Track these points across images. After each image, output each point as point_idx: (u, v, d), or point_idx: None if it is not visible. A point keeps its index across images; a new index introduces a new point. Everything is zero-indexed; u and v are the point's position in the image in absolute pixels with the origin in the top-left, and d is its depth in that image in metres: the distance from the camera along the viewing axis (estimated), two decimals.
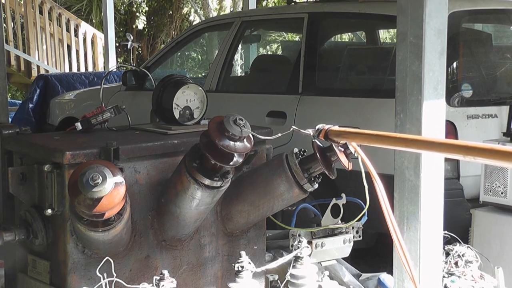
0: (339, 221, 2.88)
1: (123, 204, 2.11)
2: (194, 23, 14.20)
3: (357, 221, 2.88)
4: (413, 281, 2.05)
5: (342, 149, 2.22)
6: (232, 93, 5.13)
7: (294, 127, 2.20)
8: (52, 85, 8.04)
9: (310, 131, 2.09)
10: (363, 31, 5.91)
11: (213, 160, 2.24)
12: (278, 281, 2.68)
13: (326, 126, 2.05)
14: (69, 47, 11.65)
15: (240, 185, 2.63)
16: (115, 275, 2.19)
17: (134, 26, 14.37)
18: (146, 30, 15.10)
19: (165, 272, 2.22)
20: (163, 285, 2.19)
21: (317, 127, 2.07)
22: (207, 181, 2.31)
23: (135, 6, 14.30)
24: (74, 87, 7.97)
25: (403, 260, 1.97)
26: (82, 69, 11.47)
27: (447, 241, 2.86)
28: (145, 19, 14.61)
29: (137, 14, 14.37)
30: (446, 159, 2.84)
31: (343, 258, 3.07)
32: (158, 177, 2.58)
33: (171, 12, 15.24)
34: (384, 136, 1.71)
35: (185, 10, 15.11)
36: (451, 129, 3.79)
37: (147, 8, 14.58)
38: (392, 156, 2.65)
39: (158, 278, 2.21)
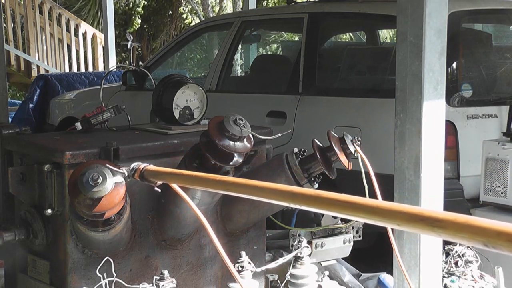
0: (339, 221, 2.88)
1: (123, 204, 2.11)
2: (193, 23, 14.19)
3: (357, 221, 2.88)
4: (408, 281, 2.05)
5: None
6: (232, 93, 5.13)
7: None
8: (52, 85, 8.04)
9: (124, 170, 1.85)
10: (363, 31, 5.91)
11: (213, 160, 2.24)
12: (278, 281, 2.69)
13: (142, 166, 1.81)
14: (69, 47, 11.65)
15: None
16: (115, 275, 2.19)
17: (132, 26, 14.37)
18: (146, 30, 15.10)
19: (165, 272, 2.23)
20: (163, 285, 2.19)
21: (132, 166, 1.84)
22: None
23: (130, 5, 14.27)
24: (74, 87, 7.97)
25: (399, 261, 1.98)
26: (82, 69, 11.46)
27: (447, 241, 2.86)
28: (140, 22, 14.57)
29: (132, 17, 14.35)
30: (446, 159, 2.84)
31: (343, 258, 3.07)
32: None
33: (171, 12, 15.25)
34: (203, 178, 1.60)
35: (185, 10, 15.10)
36: (451, 129, 3.79)
37: (142, 11, 14.56)
38: (392, 156, 2.65)
39: (158, 278, 2.21)
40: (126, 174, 1.85)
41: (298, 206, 1.28)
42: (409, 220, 1.07)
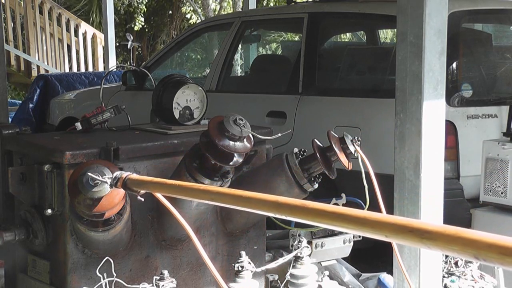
0: None
1: (123, 204, 2.11)
2: (193, 23, 14.19)
3: None
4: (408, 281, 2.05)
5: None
6: (232, 93, 5.13)
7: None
8: (52, 85, 8.03)
9: (106, 179, 1.83)
10: (363, 31, 5.91)
11: (213, 160, 2.24)
12: (278, 281, 2.68)
13: (124, 174, 1.77)
14: (69, 47, 11.64)
15: (240, 185, 2.63)
16: (115, 275, 2.19)
17: (133, 27, 14.37)
18: (146, 30, 15.10)
19: (165, 272, 2.23)
20: (163, 285, 2.19)
21: (114, 174, 1.81)
22: (207, 181, 2.32)
23: (133, 7, 14.29)
24: (74, 87, 7.96)
25: (399, 261, 1.98)
26: (82, 69, 11.46)
27: None
28: (143, 21, 14.59)
29: (135, 15, 14.35)
30: (446, 159, 2.84)
31: (343, 258, 3.07)
32: (158, 177, 2.58)
33: (171, 12, 15.25)
34: (187, 187, 1.57)
35: (184, 9, 15.10)
36: (451, 129, 3.79)
37: (145, 9, 14.57)
38: (392, 156, 2.65)
39: (158, 278, 2.21)
40: (109, 183, 1.83)
41: (284, 217, 1.26)
42: (397, 232, 1.04)
